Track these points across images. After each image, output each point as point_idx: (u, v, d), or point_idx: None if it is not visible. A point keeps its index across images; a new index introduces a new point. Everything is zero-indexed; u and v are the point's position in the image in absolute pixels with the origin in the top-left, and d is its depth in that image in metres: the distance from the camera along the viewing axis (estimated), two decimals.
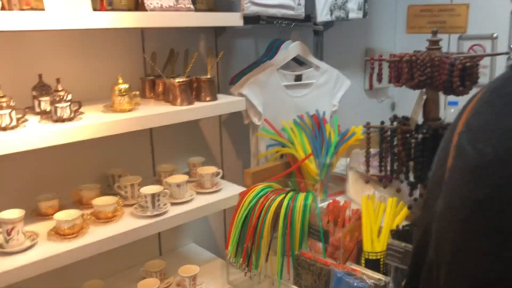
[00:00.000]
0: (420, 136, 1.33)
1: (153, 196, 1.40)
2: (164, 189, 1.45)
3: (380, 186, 1.58)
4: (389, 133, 1.45)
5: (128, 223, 1.36)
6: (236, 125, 1.95)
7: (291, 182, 1.68)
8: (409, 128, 1.43)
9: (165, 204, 1.45)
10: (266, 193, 1.49)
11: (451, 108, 1.76)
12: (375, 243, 1.37)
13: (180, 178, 1.53)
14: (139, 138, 1.69)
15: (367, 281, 1.23)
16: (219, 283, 1.62)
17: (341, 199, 1.66)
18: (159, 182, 1.63)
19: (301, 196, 1.45)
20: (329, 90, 1.92)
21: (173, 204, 1.48)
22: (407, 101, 2.89)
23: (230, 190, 1.60)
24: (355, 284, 1.24)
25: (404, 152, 1.44)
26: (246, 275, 1.48)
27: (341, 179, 1.78)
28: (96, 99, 1.52)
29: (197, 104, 1.46)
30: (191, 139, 1.82)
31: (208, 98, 1.49)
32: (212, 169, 1.62)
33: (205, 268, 1.72)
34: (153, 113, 1.35)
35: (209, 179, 1.58)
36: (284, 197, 1.45)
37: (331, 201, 1.55)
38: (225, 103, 1.51)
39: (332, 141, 1.69)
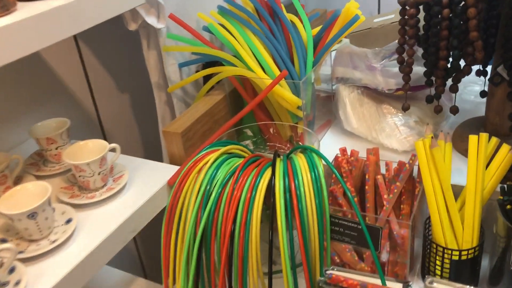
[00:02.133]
0: None
1: None
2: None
3: (414, 106, 0.89)
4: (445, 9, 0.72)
5: None
6: (109, 37, 1.04)
7: (250, 131, 0.90)
8: None
9: (12, 271, 0.61)
10: (233, 172, 0.72)
11: None
12: (458, 228, 0.72)
13: (32, 190, 0.67)
14: None
15: None
16: None
17: (334, 138, 0.96)
18: None
19: (301, 161, 0.71)
20: None
21: (30, 260, 0.63)
22: None
23: (146, 180, 0.78)
24: None
25: (481, 40, 0.74)
26: None
27: (321, 100, 1.05)
28: None
29: (29, 7, 0.56)
30: (24, 85, 0.90)
31: None
32: (97, 144, 0.76)
33: None
34: None
35: (97, 170, 0.73)
36: (274, 173, 0.70)
37: (338, 153, 0.83)
38: None
39: (305, 39, 0.91)
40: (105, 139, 0.97)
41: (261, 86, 0.87)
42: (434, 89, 0.81)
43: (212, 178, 0.72)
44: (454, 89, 0.80)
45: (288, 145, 0.89)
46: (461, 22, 0.73)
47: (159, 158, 1.01)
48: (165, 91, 0.99)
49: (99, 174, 0.73)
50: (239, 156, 0.79)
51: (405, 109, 0.82)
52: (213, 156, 0.75)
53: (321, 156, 0.73)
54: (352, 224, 0.71)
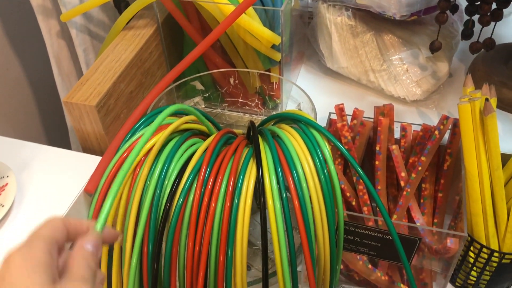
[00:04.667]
0: None
1: None
2: None
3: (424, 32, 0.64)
4: None
5: None
6: None
7: (200, 83, 0.60)
8: None
9: None
10: (197, 168, 0.44)
11: None
12: (502, 223, 0.53)
13: None
14: None
15: None
16: None
17: (310, 81, 0.70)
18: None
19: (294, 140, 0.46)
20: None
21: None
22: None
23: (46, 187, 0.48)
24: None
25: None
26: None
27: None
28: None
29: None
30: None
31: None
32: None
33: None
34: None
35: None
36: (260, 165, 0.44)
37: (331, 113, 0.58)
38: None
39: None
40: None
41: (214, 14, 0.56)
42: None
43: (162, 181, 0.45)
44: (498, 15, 0.56)
45: (257, 101, 0.62)
46: None
47: (64, 127, 0.69)
48: (57, 18, 0.64)
49: None
50: (198, 133, 0.51)
51: (435, 49, 0.56)
52: (157, 141, 0.47)
53: (326, 135, 0.47)
54: (376, 234, 0.49)
